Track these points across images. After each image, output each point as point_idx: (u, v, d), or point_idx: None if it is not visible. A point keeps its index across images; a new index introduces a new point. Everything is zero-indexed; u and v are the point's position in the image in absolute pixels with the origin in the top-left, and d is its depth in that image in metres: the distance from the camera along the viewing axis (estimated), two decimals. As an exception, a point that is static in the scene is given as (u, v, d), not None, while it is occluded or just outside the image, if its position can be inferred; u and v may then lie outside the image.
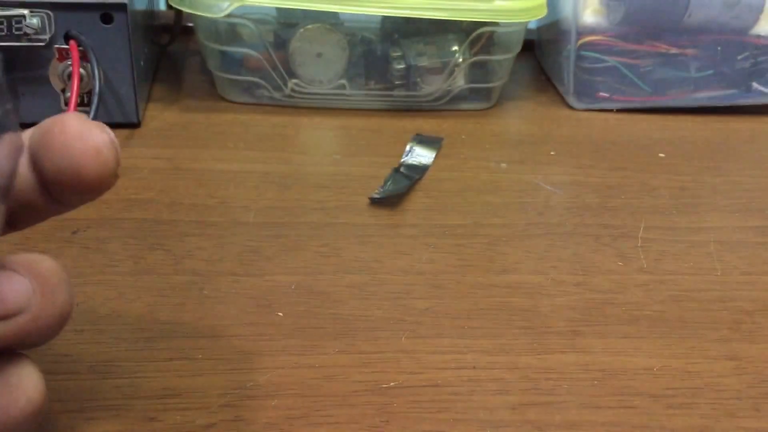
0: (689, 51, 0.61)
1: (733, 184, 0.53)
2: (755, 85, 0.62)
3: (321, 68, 0.58)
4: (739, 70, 0.62)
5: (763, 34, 0.61)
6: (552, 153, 0.56)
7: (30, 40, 0.49)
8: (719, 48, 0.61)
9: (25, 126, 0.55)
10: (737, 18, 0.60)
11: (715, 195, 0.51)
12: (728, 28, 0.60)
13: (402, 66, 0.59)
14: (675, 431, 0.32)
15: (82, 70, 0.49)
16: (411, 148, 0.54)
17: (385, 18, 0.60)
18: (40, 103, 0.52)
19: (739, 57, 0.61)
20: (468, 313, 0.38)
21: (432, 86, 0.60)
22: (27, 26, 0.48)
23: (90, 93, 0.50)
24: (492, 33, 0.59)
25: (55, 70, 0.50)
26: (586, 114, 0.63)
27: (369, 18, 0.60)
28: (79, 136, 0.23)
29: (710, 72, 0.62)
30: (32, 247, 0.41)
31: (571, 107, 0.63)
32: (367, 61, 0.60)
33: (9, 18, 0.48)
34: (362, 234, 0.45)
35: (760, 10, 0.60)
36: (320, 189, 0.49)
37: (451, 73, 0.59)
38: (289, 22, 0.58)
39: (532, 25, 0.70)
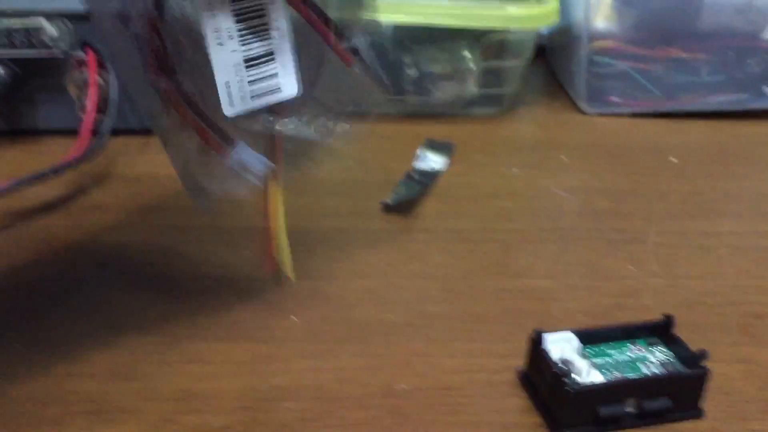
0: (700, 56, 0.61)
1: (745, 189, 0.53)
2: (766, 89, 0.62)
3: (334, 75, 0.59)
4: (750, 75, 0.62)
5: (774, 38, 0.61)
6: (564, 158, 0.56)
7: (48, 50, 0.50)
8: (730, 52, 0.61)
9: (42, 133, 0.56)
10: (748, 22, 0.60)
11: (727, 200, 0.52)
12: (739, 32, 0.60)
13: (414, 72, 0.59)
14: (686, 434, 0.33)
15: (99, 78, 0.50)
16: (423, 153, 0.54)
17: (397, 25, 0.60)
18: (57, 110, 0.53)
19: (751, 61, 0.61)
20: (480, 318, 0.38)
21: (444, 92, 0.60)
22: (45, 36, 0.49)
23: (107, 101, 0.51)
24: (504, 39, 0.59)
25: (73, 78, 0.51)
26: (598, 119, 0.63)
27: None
28: None
29: (722, 76, 0.62)
30: (50, 252, 0.42)
31: (582, 112, 0.63)
32: (378, 67, 0.60)
33: (27, 27, 0.49)
34: (375, 239, 0.45)
35: (771, 15, 0.60)
36: (333, 195, 0.49)
37: (463, 79, 0.60)
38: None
39: (543, 31, 0.71)
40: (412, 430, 0.32)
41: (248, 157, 0.34)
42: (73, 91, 0.52)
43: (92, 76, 0.49)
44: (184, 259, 0.42)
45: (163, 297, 0.39)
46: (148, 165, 0.51)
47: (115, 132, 0.52)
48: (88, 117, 0.48)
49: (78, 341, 0.36)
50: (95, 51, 0.50)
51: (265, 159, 0.34)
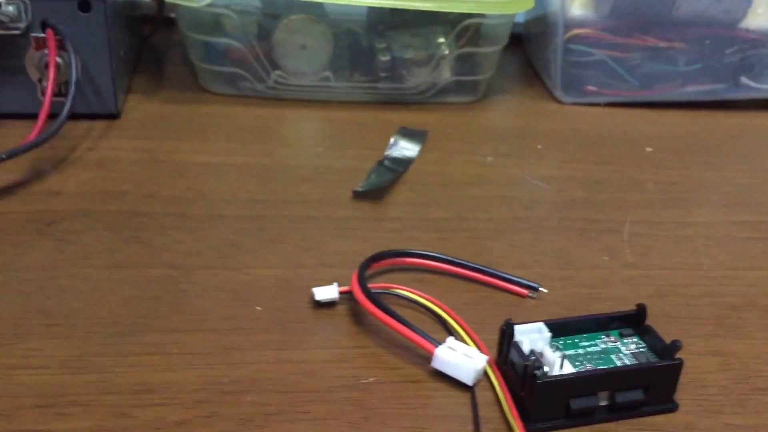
0: (677, 44, 0.60)
1: (721, 179, 0.52)
2: (743, 79, 0.62)
3: (305, 60, 0.57)
4: (727, 64, 0.61)
5: (751, 27, 0.60)
6: (539, 147, 0.55)
7: (5, 28, 0.48)
8: (708, 42, 0.60)
9: (1, 117, 0.54)
10: (726, 12, 0.59)
11: (703, 190, 0.51)
12: (717, 21, 0.60)
13: (387, 58, 0.58)
14: (658, 426, 0.32)
15: (59, 60, 0.48)
16: (395, 141, 0.53)
17: (371, 9, 0.59)
18: (16, 93, 0.51)
19: (728, 51, 0.61)
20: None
21: (417, 78, 0.59)
22: (2, 14, 0.47)
23: (67, 83, 0.49)
24: (479, 25, 0.58)
25: (32, 59, 0.49)
26: (574, 108, 0.62)
27: (354, 9, 0.59)
28: None
29: (698, 66, 0.61)
30: (4, 239, 0.40)
31: (558, 101, 0.63)
32: (352, 52, 0.59)
33: (-16, 5, 0.47)
34: (345, 227, 0.44)
35: (748, 4, 0.59)
36: (303, 182, 0.48)
37: (437, 65, 0.59)
38: (272, 12, 0.57)
39: (519, 19, 0.70)
40: (378, 424, 0.31)
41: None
42: (32, 72, 0.50)
43: (51, 57, 0.48)
44: (146, 246, 0.41)
45: (122, 285, 0.37)
46: (109, 150, 0.50)
47: (78, 116, 0.51)
48: (46, 99, 0.47)
49: (29, 331, 0.34)
50: (55, 31, 0.48)
51: None
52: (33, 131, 0.45)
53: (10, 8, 0.47)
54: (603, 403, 0.31)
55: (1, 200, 0.43)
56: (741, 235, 0.46)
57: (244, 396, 0.32)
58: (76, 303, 0.36)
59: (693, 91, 0.62)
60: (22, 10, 0.48)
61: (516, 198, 0.48)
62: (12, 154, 0.43)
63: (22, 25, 0.48)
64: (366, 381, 0.33)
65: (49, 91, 0.47)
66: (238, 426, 0.30)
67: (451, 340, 0.34)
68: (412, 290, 0.38)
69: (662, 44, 0.60)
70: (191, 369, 0.33)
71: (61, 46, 0.49)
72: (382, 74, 0.59)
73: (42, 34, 0.48)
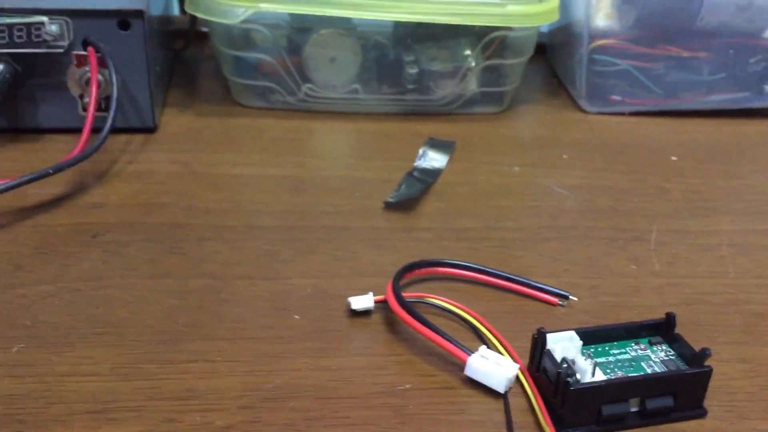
0: (701, 54, 0.61)
1: (746, 187, 0.53)
2: (767, 88, 0.62)
3: (334, 73, 0.59)
4: (751, 73, 0.62)
5: (775, 37, 0.61)
6: (564, 156, 0.56)
7: (49, 47, 0.50)
8: (731, 51, 0.61)
9: (44, 131, 0.56)
10: (749, 21, 0.60)
11: (728, 198, 0.52)
12: (740, 31, 0.60)
13: (415, 70, 0.59)
14: (688, 433, 0.33)
15: (99, 76, 0.50)
16: (424, 152, 0.54)
17: (398, 23, 0.60)
18: (58, 108, 0.53)
19: (752, 60, 0.61)
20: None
21: (445, 90, 0.60)
22: (46, 33, 0.49)
23: (108, 99, 0.50)
24: (504, 37, 0.59)
25: (74, 76, 0.51)
26: (599, 117, 0.63)
27: (382, 23, 0.60)
28: None
29: (722, 75, 0.62)
30: (52, 250, 0.42)
31: (583, 111, 0.63)
32: (380, 65, 0.60)
33: (28, 25, 0.49)
34: (377, 237, 0.45)
35: (772, 14, 0.60)
36: (334, 193, 0.49)
37: (464, 77, 0.60)
38: (302, 27, 0.59)
39: (544, 29, 0.71)
40: (415, 430, 0.32)
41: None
42: (74, 89, 0.52)
43: (93, 74, 0.49)
44: (186, 257, 0.42)
45: (166, 295, 0.39)
46: (148, 163, 0.51)
47: (116, 130, 0.52)
48: (89, 115, 0.48)
49: (80, 339, 0.36)
50: (96, 49, 0.50)
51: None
52: (77, 146, 0.47)
53: (53, 27, 0.49)
54: (634, 409, 0.32)
55: (48, 213, 0.45)
56: (766, 242, 0.47)
57: (286, 402, 0.33)
58: (123, 312, 0.38)
59: (717, 99, 0.63)
60: (65, 29, 0.50)
61: (543, 207, 0.49)
62: (58, 169, 0.45)
63: (65, 43, 0.50)
64: (402, 388, 0.34)
65: (91, 107, 0.48)
66: (281, 430, 0.31)
67: (483, 348, 0.35)
68: (445, 299, 0.39)
69: (686, 54, 0.61)
70: (235, 376, 0.34)
71: (101, 63, 0.50)
72: (410, 86, 0.60)
73: (83, 52, 0.50)
